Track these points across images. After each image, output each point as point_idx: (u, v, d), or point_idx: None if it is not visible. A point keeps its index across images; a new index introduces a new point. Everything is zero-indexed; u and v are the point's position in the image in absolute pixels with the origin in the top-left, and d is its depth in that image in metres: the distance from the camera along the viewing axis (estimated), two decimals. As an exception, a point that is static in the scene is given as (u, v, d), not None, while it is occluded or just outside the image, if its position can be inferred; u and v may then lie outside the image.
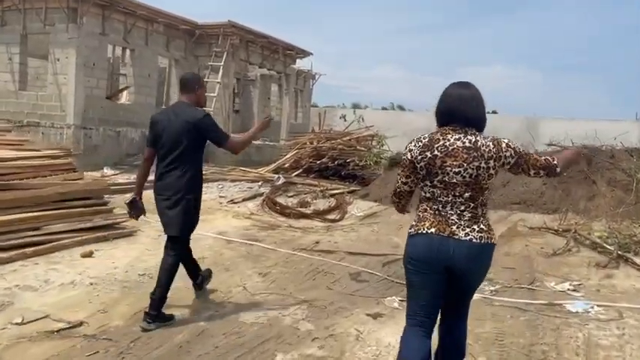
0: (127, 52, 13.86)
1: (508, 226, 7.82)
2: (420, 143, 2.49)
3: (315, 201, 10.18)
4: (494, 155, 2.42)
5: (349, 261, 5.71)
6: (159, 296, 3.54)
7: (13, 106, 12.56)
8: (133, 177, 11.64)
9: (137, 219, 3.94)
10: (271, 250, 5.95)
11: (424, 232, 2.44)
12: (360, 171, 13.81)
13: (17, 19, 12.28)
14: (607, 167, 10.04)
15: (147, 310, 3.51)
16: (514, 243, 6.88)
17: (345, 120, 15.00)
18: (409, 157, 2.50)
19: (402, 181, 2.57)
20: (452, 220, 2.42)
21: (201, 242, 6.04)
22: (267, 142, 17.97)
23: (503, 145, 2.46)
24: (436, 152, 2.43)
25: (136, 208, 3.79)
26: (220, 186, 11.14)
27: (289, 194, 10.69)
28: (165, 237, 3.75)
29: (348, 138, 14.48)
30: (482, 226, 2.44)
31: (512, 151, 2.46)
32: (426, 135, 2.52)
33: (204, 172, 3.92)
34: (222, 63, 14.78)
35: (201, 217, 3.93)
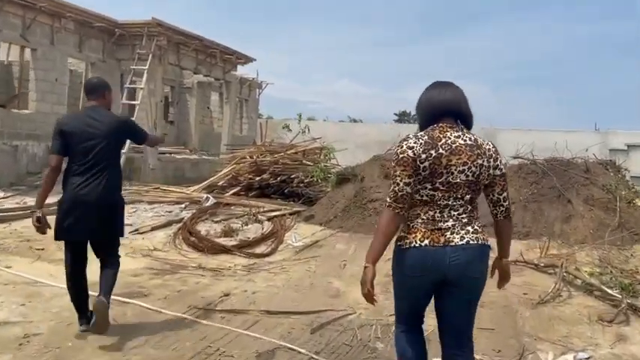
0: (28, 52, 11.73)
1: (477, 259, 6.30)
2: (420, 140, 2.28)
3: (246, 227, 8.44)
4: (494, 155, 2.35)
5: (264, 327, 3.98)
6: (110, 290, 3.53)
7: None
8: (25, 200, 9.59)
9: (45, 234, 3.56)
10: (153, 313, 4.14)
11: (416, 245, 2.26)
12: (306, 188, 12.19)
13: None
14: (582, 183, 8.79)
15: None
16: (487, 284, 5.34)
17: (290, 130, 13.30)
18: (411, 155, 2.26)
19: (404, 182, 2.26)
20: (446, 225, 2.27)
21: (53, 302, 4.19)
22: (205, 157, 16.09)
23: (499, 154, 2.39)
24: (441, 150, 2.26)
25: (43, 223, 3.49)
26: (133, 209, 9.19)
27: (216, 219, 8.89)
28: None
29: (292, 151, 12.86)
30: (476, 226, 2.32)
31: (503, 166, 2.38)
32: (422, 133, 2.33)
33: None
34: (146, 67, 12.88)
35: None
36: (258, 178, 11.86)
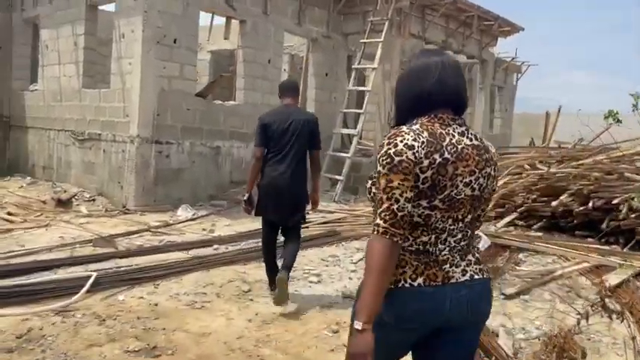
0: (235, 25, 9.13)
1: None
2: (420, 138, 1.55)
3: (588, 323, 4.08)
4: (497, 161, 1.73)
5: None
6: (290, 266, 3.95)
7: (77, 110, 8.70)
8: (212, 224, 6.82)
9: (250, 213, 4.14)
10: None
11: (407, 284, 1.60)
12: (640, 222, 7.09)
13: (82, -15, 8.45)
14: None
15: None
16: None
17: (619, 122, 7.76)
18: (412, 158, 1.52)
19: (405, 197, 1.53)
20: (443, 256, 1.63)
21: None
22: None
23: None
24: (447, 155, 1.56)
25: (252, 203, 4.05)
26: (348, 259, 5.48)
27: (508, 289, 4.69)
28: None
29: (604, 157, 7.85)
30: (476, 255, 1.71)
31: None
32: (419, 127, 1.58)
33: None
34: (381, 39, 9.31)
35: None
36: (555, 203, 7.21)
